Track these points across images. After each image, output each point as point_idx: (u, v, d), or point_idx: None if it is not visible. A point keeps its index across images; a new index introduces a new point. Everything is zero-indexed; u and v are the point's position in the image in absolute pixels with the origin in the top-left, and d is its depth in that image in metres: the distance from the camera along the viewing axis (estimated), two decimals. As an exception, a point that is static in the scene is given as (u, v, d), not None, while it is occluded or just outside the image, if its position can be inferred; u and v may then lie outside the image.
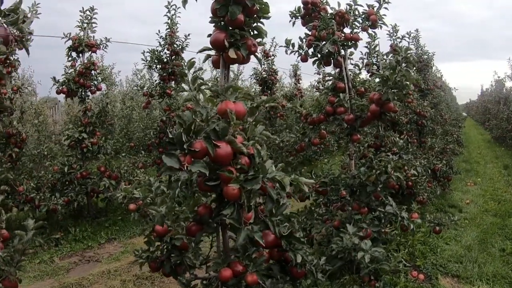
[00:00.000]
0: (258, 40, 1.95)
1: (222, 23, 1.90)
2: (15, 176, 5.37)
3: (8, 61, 5.26)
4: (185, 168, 1.51)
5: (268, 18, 1.90)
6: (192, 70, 2.03)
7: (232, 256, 1.97)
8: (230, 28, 1.88)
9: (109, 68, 13.15)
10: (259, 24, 1.93)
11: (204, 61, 2.22)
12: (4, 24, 1.63)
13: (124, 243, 5.57)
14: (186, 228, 2.04)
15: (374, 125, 5.91)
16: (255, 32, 1.93)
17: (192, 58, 1.96)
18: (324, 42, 3.78)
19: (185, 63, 1.94)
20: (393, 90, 3.53)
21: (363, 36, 4.46)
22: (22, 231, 2.03)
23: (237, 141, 1.67)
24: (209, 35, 1.95)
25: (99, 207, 6.67)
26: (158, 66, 7.81)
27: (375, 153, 5.35)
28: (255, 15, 1.88)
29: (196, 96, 2.07)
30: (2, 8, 1.69)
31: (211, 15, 1.92)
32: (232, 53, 1.81)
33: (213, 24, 1.94)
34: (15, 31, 1.77)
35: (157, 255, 2.69)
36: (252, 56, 2.05)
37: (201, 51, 2.14)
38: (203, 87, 2.01)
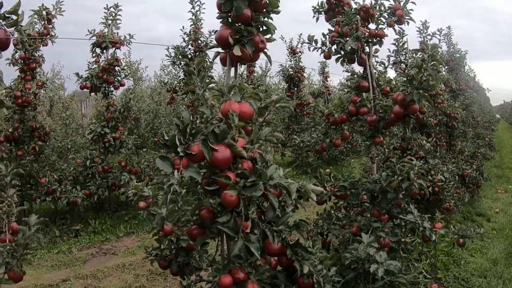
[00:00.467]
0: (267, 36, 1.84)
1: (229, 19, 1.80)
2: (38, 168, 5.50)
3: (32, 57, 5.39)
4: (180, 172, 1.43)
5: (277, 12, 1.79)
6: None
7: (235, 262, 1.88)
8: (237, 24, 1.77)
9: (136, 63, 13.33)
10: (268, 19, 1.81)
11: (214, 59, 2.13)
12: (4, 26, 1.60)
13: (142, 237, 5.60)
14: (187, 231, 1.96)
15: (401, 126, 5.67)
16: (264, 28, 1.82)
17: (202, 56, 1.88)
18: (347, 39, 3.61)
19: (209, 59, 1.87)
20: (418, 91, 3.33)
21: (390, 32, 4.26)
22: (24, 227, 2.02)
23: (238, 144, 1.57)
24: (215, 31, 1.86)
25: (120, 200, 6.75)
26: (182, 62, 7.82)
27: (401, 156, 5.12)
28: (263, 10, 1.76)
29: (204, 96, 2.00)
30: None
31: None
32: (236, 51, 1.71)
33: (220, 20, 1.85)
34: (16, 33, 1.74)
35: (167, 253, 2.66)
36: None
37: (209, 48, 2.07)
38: (211, 85, 1.93)
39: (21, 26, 1.74)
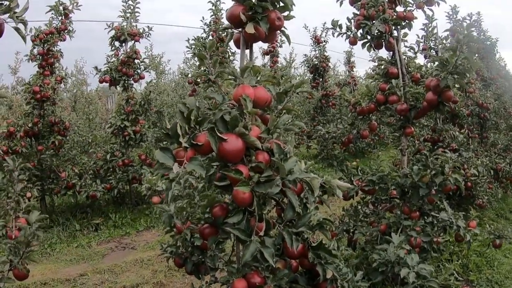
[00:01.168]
0: (285, 13, 1.63)
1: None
2: (58, 162, 5.50)
3: (50, 53, 5.36)
4: (183, 166, 1.25)
5: (296, -14, 1.58)
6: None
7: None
8: (250, -1, 1.57)
9: (158, 57, 13.30)
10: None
11: (229, 40, 1.95)
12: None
13: (162, 232, 5.51)
14: (199, 230, 1.80)
15: (432, 117, 5.35)
16: (281, 4, 1.61)
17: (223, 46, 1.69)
18: (373, 22, 3.35)
19: (230, 50, 1.70)
20: (453, 76, 3.04)
21: (419, 15, 3.96)
22: (25, 224, 1.91)
23: (252, 133, 1.38)
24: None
25: (141, 194, 6.69)
26: (202, 53, 7.66)
27: (431, 148, 4.81)
28: (280, -18, 1.56)
29: (217, 82, 1.82)
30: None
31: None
32: (249, 28, 1.51)
33: (232, -4, 1.65)
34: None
35: (182, 251, 2.53)
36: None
37: (223, 29, 1.88)
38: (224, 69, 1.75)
39: (15, 12, 1.61)
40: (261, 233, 1.35)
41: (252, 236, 1.35)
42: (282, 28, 1.65)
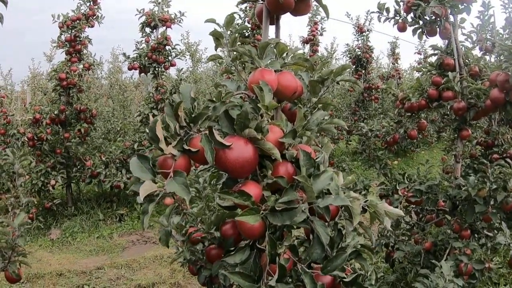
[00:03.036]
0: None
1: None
2: (84, 150, 5.38)
3: (78, 39, 5.21)
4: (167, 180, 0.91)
5: None
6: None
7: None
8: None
9: (194, 45, 13.08)
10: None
11: (252, 15, 1.60)
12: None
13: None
14: (205, 251, 1.47)
15: (487, 117, 4.75)
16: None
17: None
18: (427, 3, 2.88)
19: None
20: (525, 71, 2.52)
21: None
22: (6, 229, 1.66)
23: (269, 137, 1.02)
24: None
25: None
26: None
27: (484, 153, 4.26)
28: None
29: (237, 66, 1.48)
30: None
31: None
32: (272, -7, 1.14)
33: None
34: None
35: (197, 258, 2.25)
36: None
37: (241, 2, 1.52)
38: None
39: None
40: (275, 277, 0.98)
41: (261, 282, 0.99)
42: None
